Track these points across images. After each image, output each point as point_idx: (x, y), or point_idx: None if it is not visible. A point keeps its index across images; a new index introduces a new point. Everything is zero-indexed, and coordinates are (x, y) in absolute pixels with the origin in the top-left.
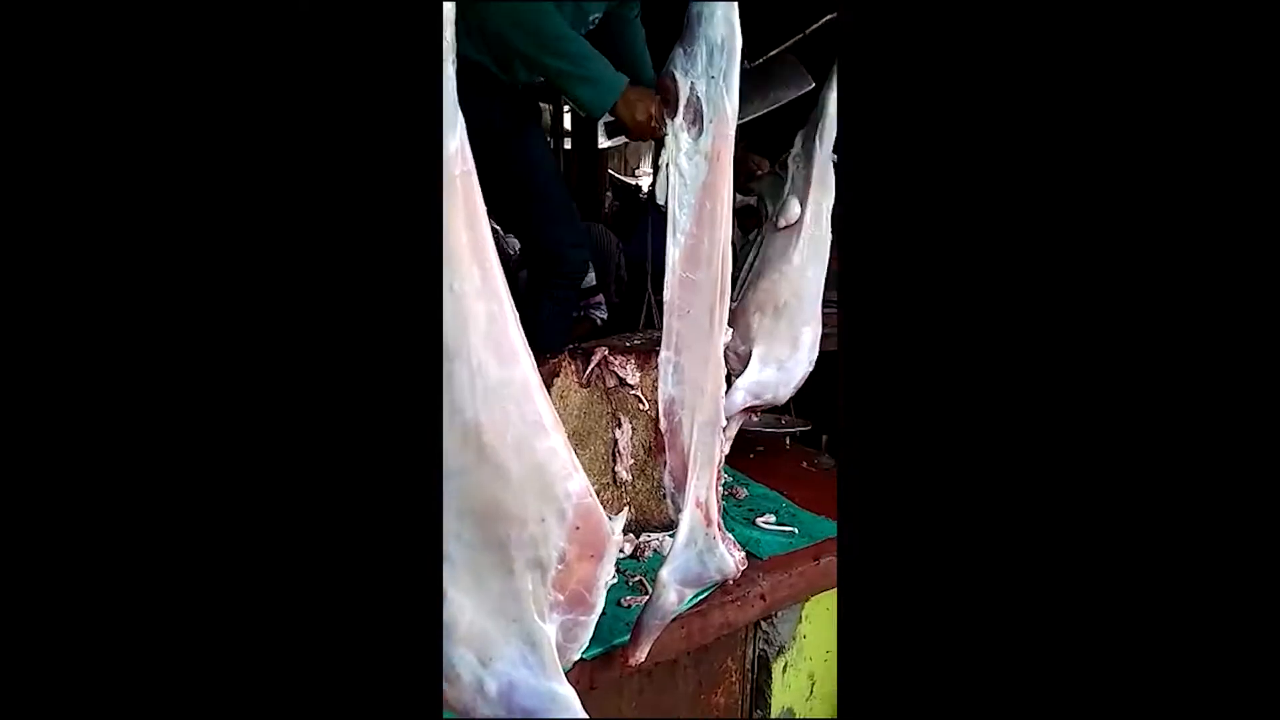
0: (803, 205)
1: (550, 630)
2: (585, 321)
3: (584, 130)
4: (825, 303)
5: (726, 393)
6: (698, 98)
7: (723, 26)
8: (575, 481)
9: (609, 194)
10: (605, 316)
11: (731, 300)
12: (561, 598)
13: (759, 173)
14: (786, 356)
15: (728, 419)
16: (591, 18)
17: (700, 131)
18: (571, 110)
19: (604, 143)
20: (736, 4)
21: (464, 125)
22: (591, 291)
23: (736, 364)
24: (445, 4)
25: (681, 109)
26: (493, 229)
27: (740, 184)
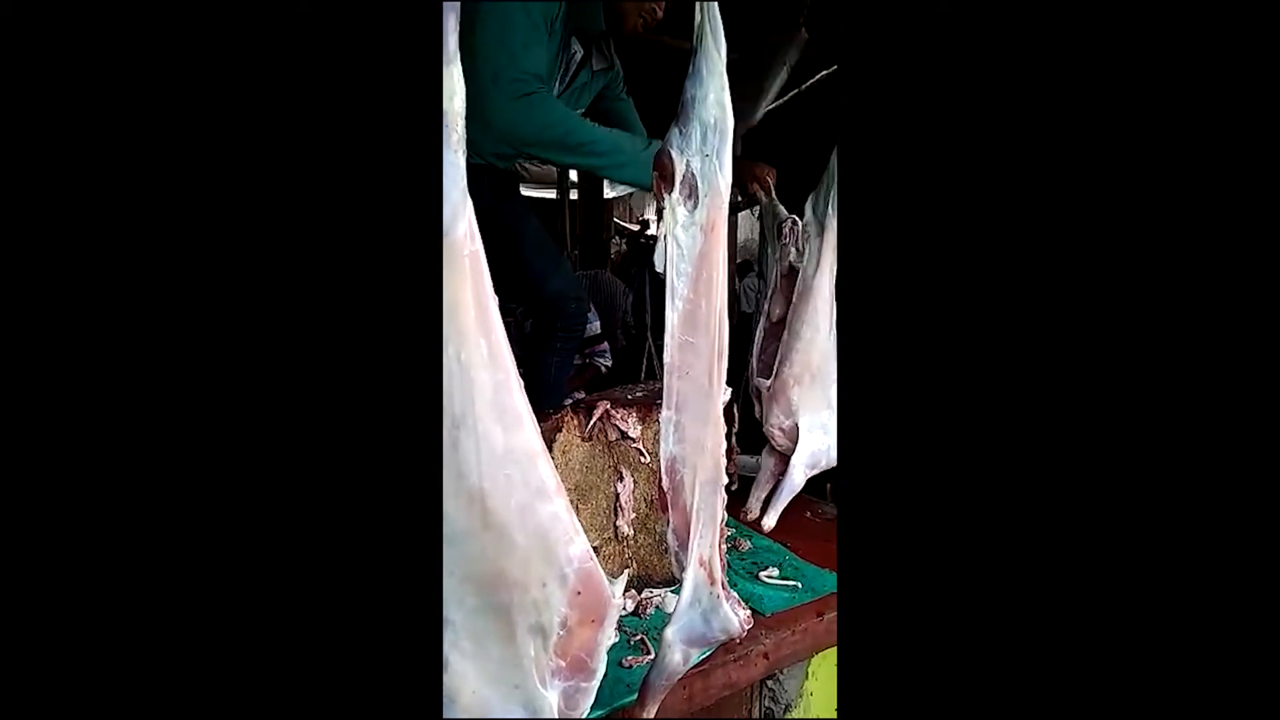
0: (819, 270)
1: (552, 698)
2: (590, 369)
3: (589, 181)
4: None
5: (784, 470)
6: (693, 174)
7: (715, 109)
8: (577, 546)
9: (615, 240)
10: (609, 364)
11: (767, 380)
12: (563, 664)
13: (764, 187)
14: (828, 419)
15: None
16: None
17: (695, 205)
18: None
19: (609, 193)
20: (728, 90)
21: (473, 210)
22: (597, 339)
23: (782, 439)
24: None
25: (678, 184)
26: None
27: (748, 197)
